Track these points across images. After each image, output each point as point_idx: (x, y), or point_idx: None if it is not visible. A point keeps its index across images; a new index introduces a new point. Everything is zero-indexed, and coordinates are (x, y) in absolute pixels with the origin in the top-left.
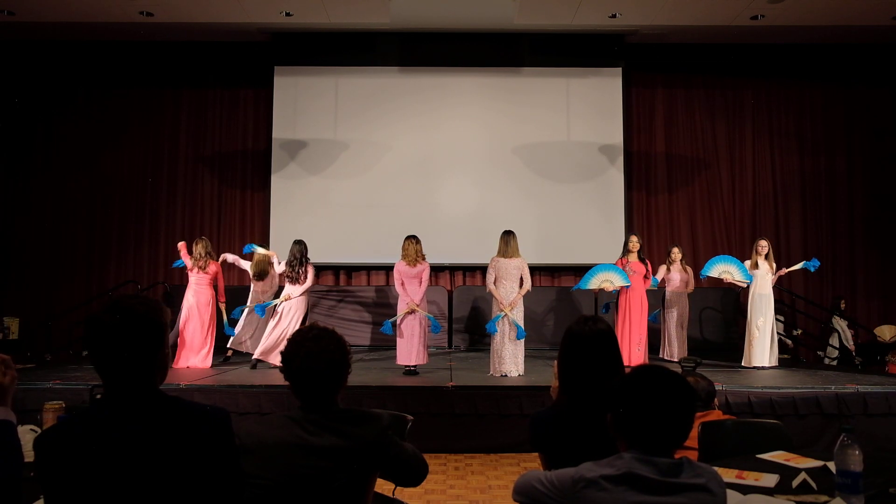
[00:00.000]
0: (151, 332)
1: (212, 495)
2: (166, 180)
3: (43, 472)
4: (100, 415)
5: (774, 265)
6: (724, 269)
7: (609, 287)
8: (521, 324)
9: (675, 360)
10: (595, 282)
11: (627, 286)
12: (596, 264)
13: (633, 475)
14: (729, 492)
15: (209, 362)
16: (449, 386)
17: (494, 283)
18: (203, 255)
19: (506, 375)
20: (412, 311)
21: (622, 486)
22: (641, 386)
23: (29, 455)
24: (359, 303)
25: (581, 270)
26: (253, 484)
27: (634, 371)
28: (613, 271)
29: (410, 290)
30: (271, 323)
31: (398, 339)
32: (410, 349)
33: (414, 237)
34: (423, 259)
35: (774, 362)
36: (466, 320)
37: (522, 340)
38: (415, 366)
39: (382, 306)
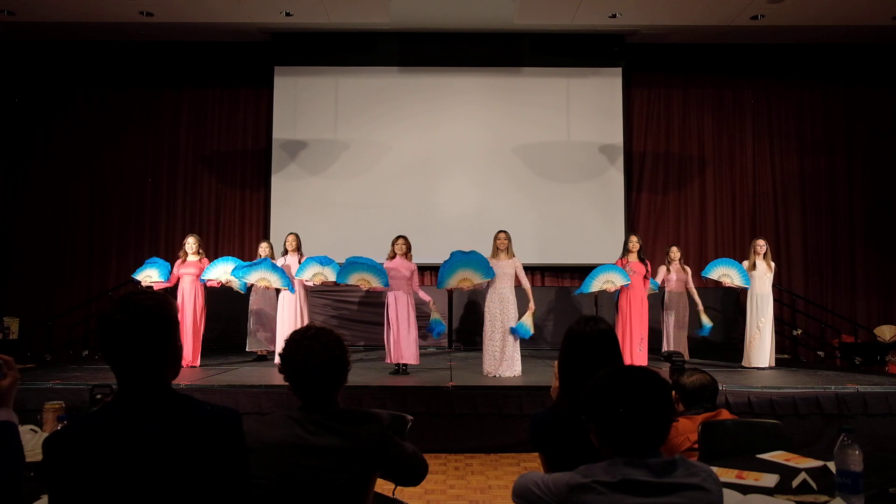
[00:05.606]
0: (162, 326)
1: (221, 496)
2: (166, 180)
3: (50, 473)
4: (110, 415)
5: (773, 265)
6: (723, 272)
7: (611, 288)
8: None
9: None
10: (596, 284)
11: (627, 284)
12: (596, 264)
13: (629, 480)
14: (729, 492)
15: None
16: (449, 386)
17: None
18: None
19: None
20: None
21: (618, 490)
22: (617, 391)
23: (29, 455)
24: (358, 303)
25: (581, 270)
26: (253, 484)
27: (603, 378)
28: (613, 271)
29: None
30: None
31: (391, 337)
32: (403, 344)
33: (402, 237)
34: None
35: (773, 362)
36: (466, 320)
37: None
38: (406, 365)
39: (381, 306)
